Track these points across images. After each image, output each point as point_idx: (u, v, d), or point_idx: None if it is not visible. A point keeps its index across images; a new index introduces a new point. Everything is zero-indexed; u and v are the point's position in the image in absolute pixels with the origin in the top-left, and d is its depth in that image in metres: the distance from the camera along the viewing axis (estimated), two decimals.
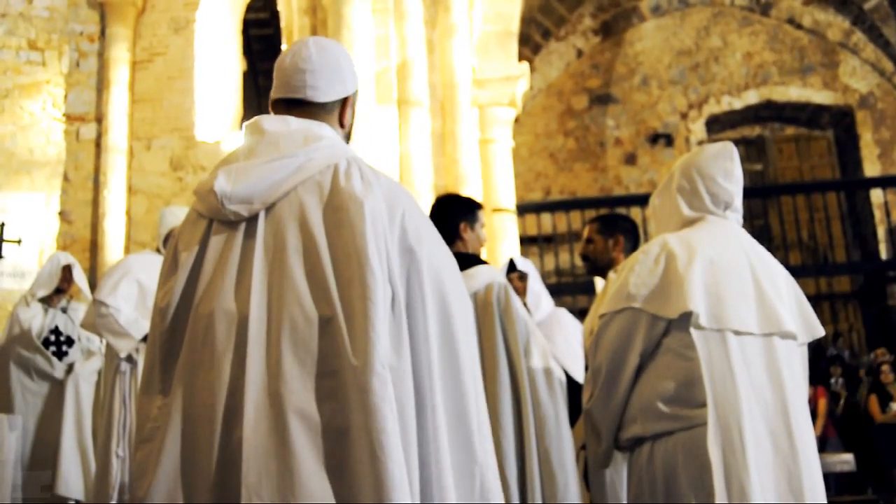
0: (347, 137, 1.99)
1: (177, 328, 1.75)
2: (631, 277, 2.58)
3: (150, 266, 4.72)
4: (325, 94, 1.91)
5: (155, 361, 1.76)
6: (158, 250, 4.76)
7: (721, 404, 2.38)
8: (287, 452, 1.56)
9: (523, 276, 4.35)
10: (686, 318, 2.46)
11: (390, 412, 1.57)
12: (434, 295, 1.73)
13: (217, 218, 1.78)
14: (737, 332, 2.47)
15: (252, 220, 1.75)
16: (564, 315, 4.46)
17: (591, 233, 3.76)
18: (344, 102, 1.96)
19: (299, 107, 1.90)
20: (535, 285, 4.39)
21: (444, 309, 1.74)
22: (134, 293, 4.61)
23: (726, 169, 2.70)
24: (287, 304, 1.66)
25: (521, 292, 4.34)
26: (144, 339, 4.50)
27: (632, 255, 2.73)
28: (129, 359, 4.53)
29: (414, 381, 1.66)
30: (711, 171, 2.69)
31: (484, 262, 3.49)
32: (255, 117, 1.89)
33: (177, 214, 4.86)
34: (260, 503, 1.54)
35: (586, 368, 3.35)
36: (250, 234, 1.74)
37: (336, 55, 1.95)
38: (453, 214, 3.47)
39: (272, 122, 1.85)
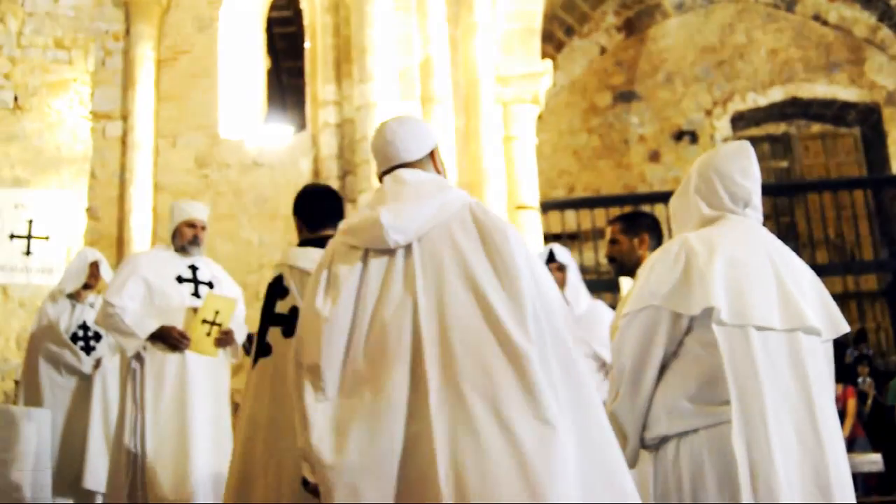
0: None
1: (349, 333, 2.18)
2: (651, 276, 2.57)
3: (158, 263, 4.73)
4: (416, 153, 2.46)
5: (321, 361, 2.15)
6: (175, 245, 4.80)
7: (745, 401, 2.37)
8: (472, 432, 1.99)
9: (562, 268, 4.30)
10: (708, 315, 2.45)
11: (544, 377, 2.05)
12: (547, 319, 2.18)
13: (375, 247, 2.25)
14: (759, 328, 2.46)
15: (407, 248, 2.23)
16: (604, 308, 4.43)
17: (614, 233, 3.70)
18: (432, 154, 2.49)
19: (412, 166, 2.43)
20: (574, 279, 4.34)
21: (550, 318, 2.18)
22: (141, 292, 4.61)
23: (744, 167, 2.70)
24: (452, 309, 2.12)
25: (560, 284, 4.29)
26: (151, 337, 4.51)
27: (652, 255, 2.72)
28: (138, 357, 4.52)
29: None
30: (729, 170, 2.69)
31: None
32: (395, 171, 2.41)
33: (184, 209, 4.87)
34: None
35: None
36: (409, 259, 2.22)
37: (412, 122, 2.54)
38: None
39: (408, 173, 2.39)
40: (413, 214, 2.24)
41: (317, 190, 3.64)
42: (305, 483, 2.22)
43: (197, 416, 4.54)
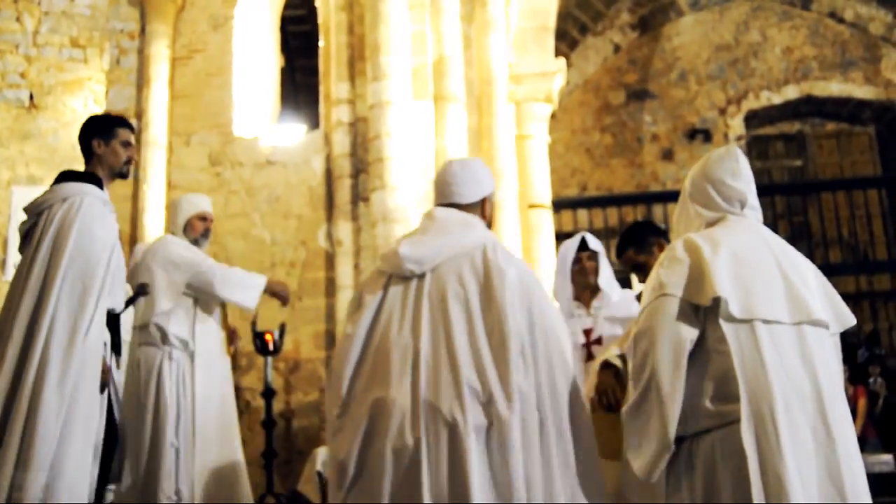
0: (489, 224, 2.86)
1: (364, 350, 2.57)
2: (660, 271, 2.60)
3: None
4: (467, 197, 2.81)
5: (342, 372, 2.57)
6: (188, 238, 4.80)
7: (754, 396, 2.38)
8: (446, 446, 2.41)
9: (594, 256, 4.26)
10: (716, 311, 2.48)
11: (517, 424, 2.41)
12: (544, 346, 2.54)
13: (396, 273, 2.63)
14: (766, 322, 2.47)
15: (422, 277, 2.59)
16: (633, 299, 4.41)
17: (631, 260, 3.68)
18: (484, 200, 2.84)
19: (454, 206, 2.78)
20: (606, 267, 4.28)
21: (548, 357, 2.54)
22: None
23: (733, 169, 2.74)
24: (447, 336, 2.47)
25: (592, 272, 4.25)
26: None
27: (660, 256, 2.74)
28: (185, 345, 4.50)
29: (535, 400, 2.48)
30: (719, 174, 2.74)
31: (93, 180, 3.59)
32: (431, 208, 2.81)
33: (194, 202, 4.89)
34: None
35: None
36: (420, 287, 2.57)
37: (474, 168, 2.89)
38: (85, 133, 3.62)
39: (441, 211, 2.76)
40: (430, 247, 2.61)
41: None
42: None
43: (232, 411, 4.69)
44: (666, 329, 2.48)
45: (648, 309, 2.56)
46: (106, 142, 3.58)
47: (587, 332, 4.22)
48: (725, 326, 2.46)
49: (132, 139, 3.69)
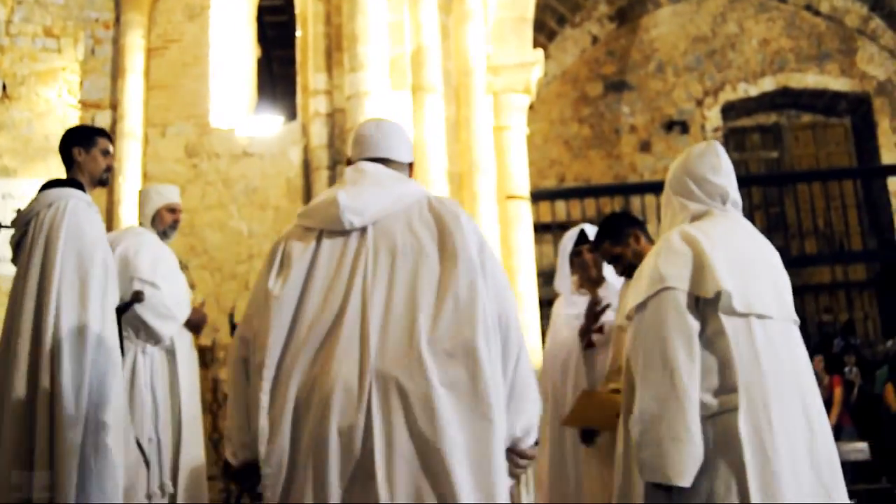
0: None
1: (296, 311, 2.18)
2: (659, 262, 2.60)
3: (164, 251, 4.73)
4: (400, 155, 2.47)
5: (270, 342, 2.15)
6: (156, 229, 4.77)
7: (750, 388, 2.43)
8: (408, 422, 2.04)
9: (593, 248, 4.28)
10: (713, 304, 2.51)
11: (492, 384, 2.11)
12: (493, 280, 2.23)
13: (330, 228, 2.26)
14: (759, 316, 2.51)
15: (361, 231, 2.24)
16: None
17: (609, 253, 3.63)
18: (411, 166, 2.51)
19: (384, 163, 2.42)
20: None
21: (498, 294, 2.23)
22: (166, 275, 4.60)
23: (713, 164, 2.78)
24: (400, 293, 2.13)
25: (592, 263, 4.27)
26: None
27: (654, 247, 2.76)
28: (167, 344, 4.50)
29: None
30: (700, 171, 2.77)
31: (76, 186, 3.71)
32: (358, 162, 2.42)
33: (162, 193, 4.86)
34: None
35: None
36: (361, 242, 2.22)
37: (402, 129, 2.56)
38: (66, 142, 3.77)
39: (371, 166, 2.39)
40: (371, 199, 2.26)
41: None
42: (227, 466, 2.29)
43: (198, 406, 4.72)
44: (677, 322, 2.49)
45: (654, 302, 2.55)
46: (86, 150, 3.70)
47: (582, 328, 4.26)
48: (725, 319, 2.48)
49: (111, 149, 3.82)
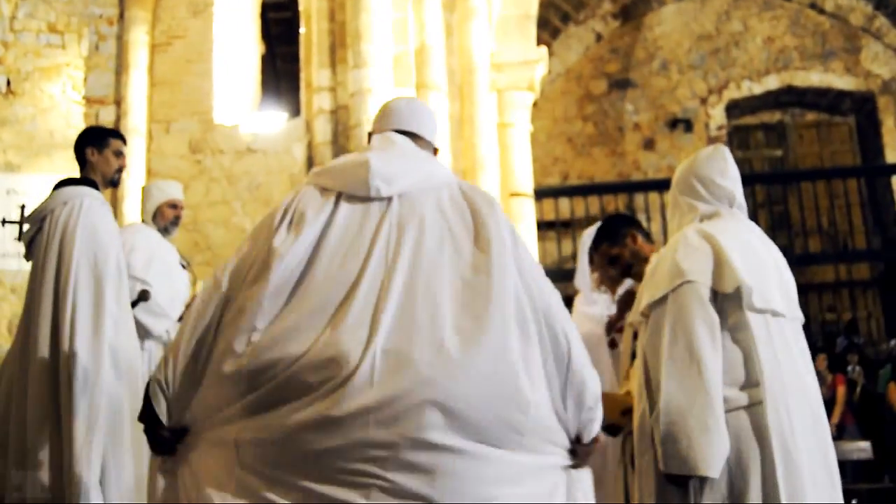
0: None
1: (301, 276, 1.94)
2: (678, 257, 2.62)
3: (163, 248, 4.72)
4: (427, 132, 2.29)
5: (262, 300, 1.90)
6: (158, 226, 4.76)
7: (771, 383, 2.46)
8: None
9: None
10: (733, 299, 2.54)
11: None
12: (530, 272, 2.01)
13: (351, 192, 2.03)
14: (775, 314, 2.58)
15: (386, 201, 2.02)
16: None
17: (607, 254, 3.57)
18: (436, 150, 2.32)
19: (412, 138, 2.23)
20: None
21: (539, 287, 2.01)
22: (162, 273, 4.59)
23: (721, 168, 2.82)
24: (425, 273, 1.91)
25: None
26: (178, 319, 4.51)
27: (668, 243, 2.79)
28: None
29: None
30: (709, 174, 2.81)
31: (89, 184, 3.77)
32: (387, 132, 2.22)
33: (164, 189, 4.86)
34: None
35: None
36: (386, 213, 2.00)
37: (433, 114, 2.39)
38: (80, 143, 3.84)
39: (400, 137, 2.21)
40: (401, 170, 2.06)
41: None
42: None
43: None
44: (700, 314, 2.50)
45: (675, 296, 2.56)
46: (99, 150, 3.77)
47: (611, 320, 4.26)
48: (749, 314, 2.52)
49: (124, 150, 3.89)
